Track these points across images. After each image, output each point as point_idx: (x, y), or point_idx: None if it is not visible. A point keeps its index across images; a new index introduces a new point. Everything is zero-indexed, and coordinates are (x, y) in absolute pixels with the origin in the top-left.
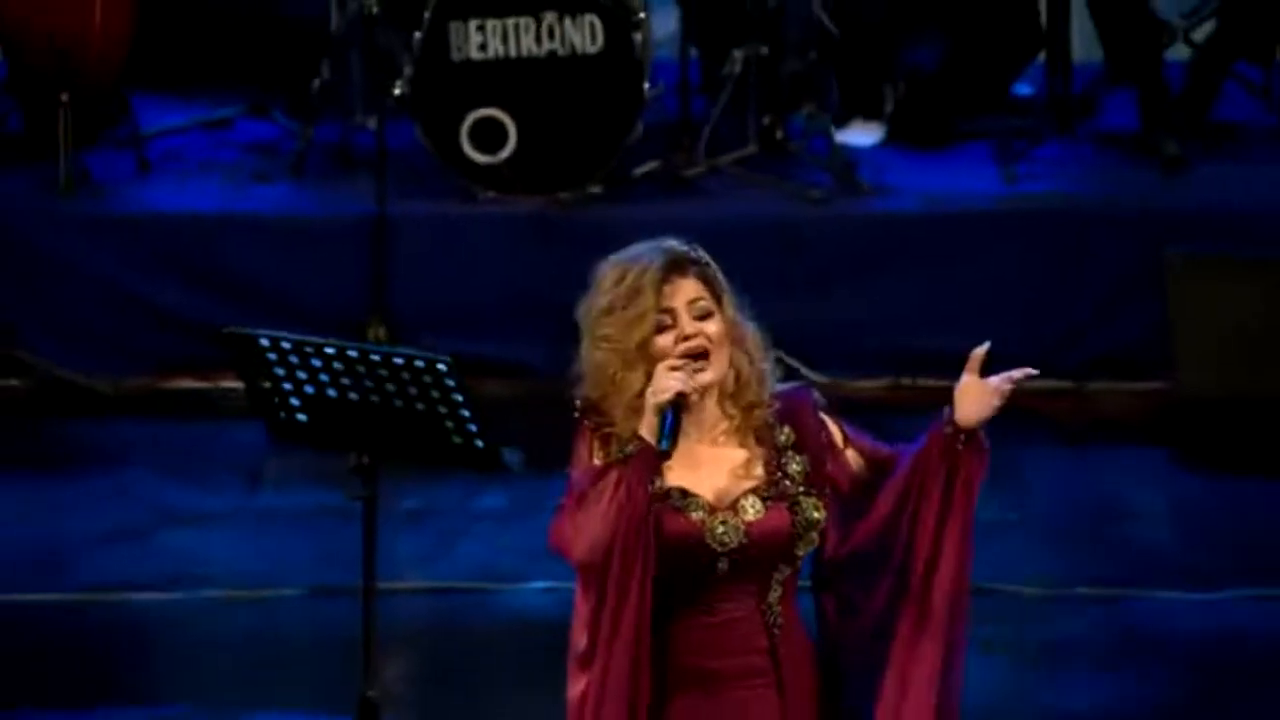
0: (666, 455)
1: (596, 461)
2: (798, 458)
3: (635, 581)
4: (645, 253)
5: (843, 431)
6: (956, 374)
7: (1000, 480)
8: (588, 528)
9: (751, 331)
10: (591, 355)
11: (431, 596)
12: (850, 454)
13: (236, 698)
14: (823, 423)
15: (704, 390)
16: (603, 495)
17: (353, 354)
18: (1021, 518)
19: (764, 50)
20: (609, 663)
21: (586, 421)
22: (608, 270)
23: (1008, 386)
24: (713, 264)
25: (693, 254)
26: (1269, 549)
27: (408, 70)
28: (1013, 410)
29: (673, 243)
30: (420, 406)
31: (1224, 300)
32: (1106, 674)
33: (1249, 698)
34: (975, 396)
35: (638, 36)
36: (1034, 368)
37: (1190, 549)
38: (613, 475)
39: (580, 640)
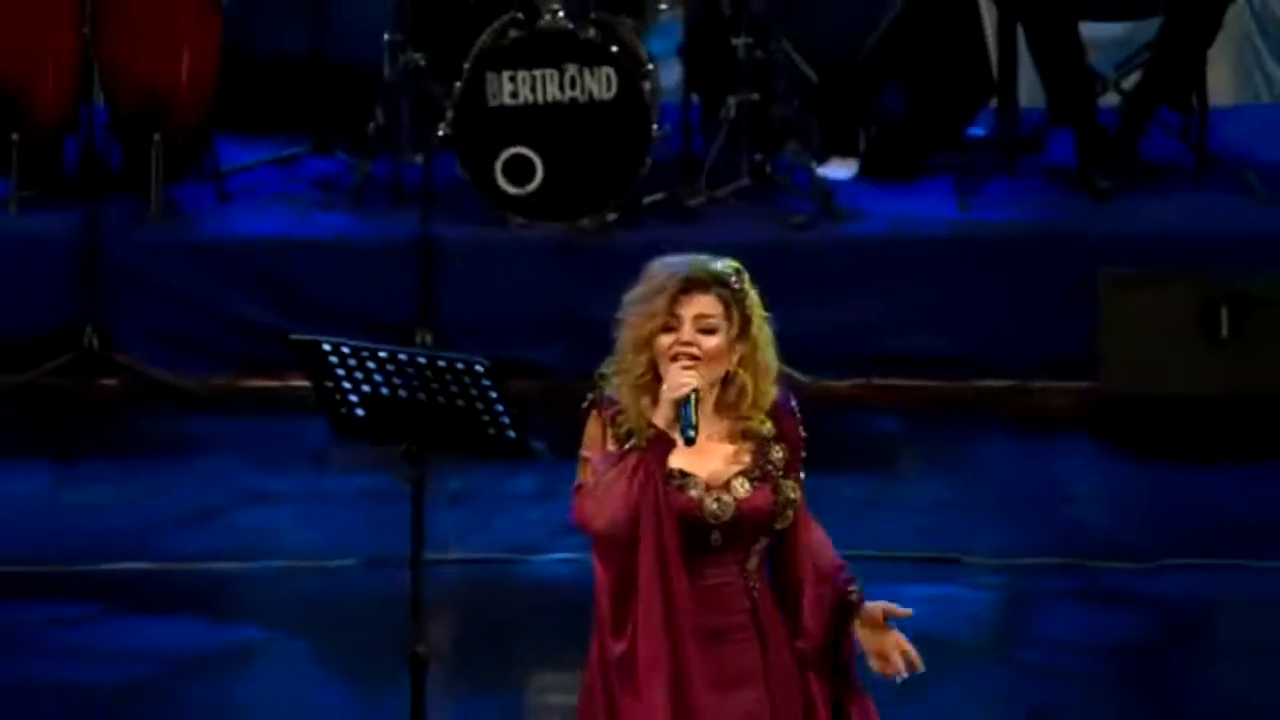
0: (692, 441)
1: (610, 444)
2: (778, 447)
3: (658, 553)
4: (682, 263)
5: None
6: (919, 374)
7: (955, 464)
8: (608, 506)
9: (767, 360)
10: (619, 331)
11: (470, 566)
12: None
13: (303, 652)
14: (798, 425)
15: (694, 398)
16: (622, 477)
17: (402, 357)
18: (973, 496)
19: (755, 97)
20: (646, 626)
21: (596, 407)
22: (652, 268)
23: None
24: (743, 290)
25: (724, 276)
26: (1185, 524)
27: (450, 114)
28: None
29: (713, 262)
30: (460, 403)
31: (1147, 312)
32: (1050, 632)
33: (1176, 646)
34: (871, 635)
35: (647, 85)
36: (982, 368)
37: (1117, 524)
38: (632, 459)
39: (605, 606)
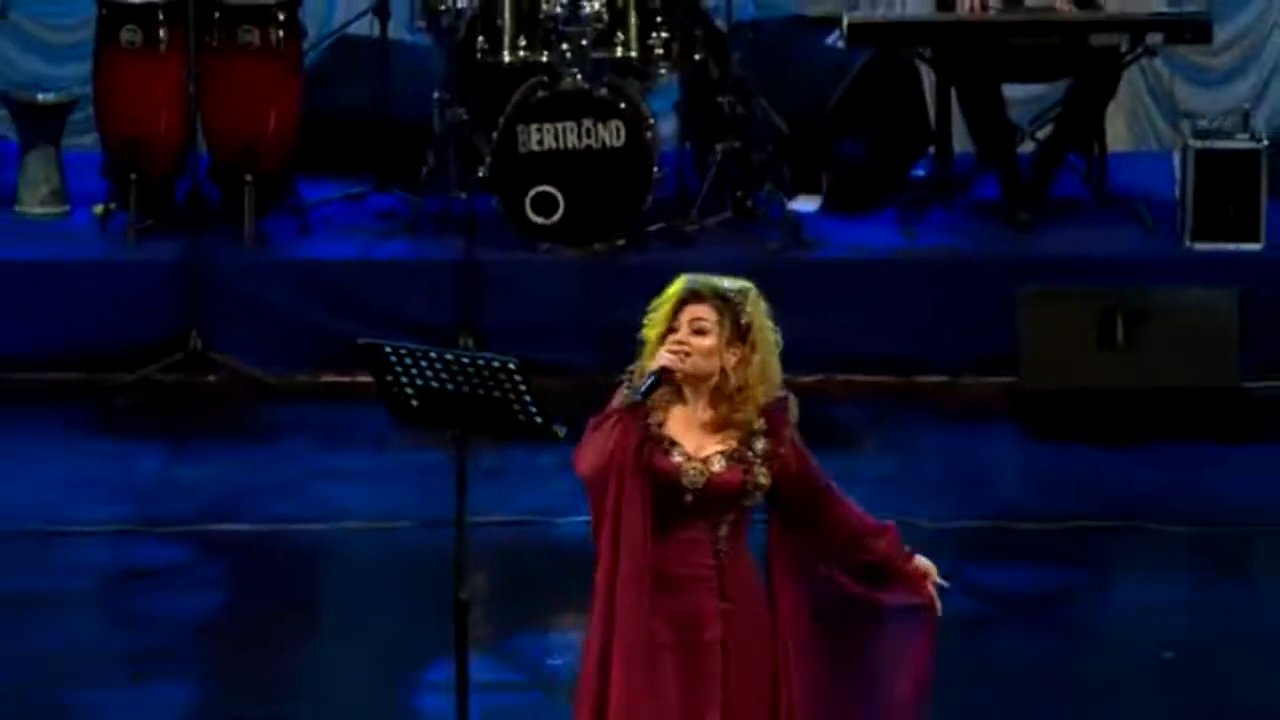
0: (640, 404)
1: (614, 415)
2: (764, 441)
3: (640, 505)
4: (689, 277)
5: (800, 444)
6: (870, 371)
7: (900, 445)
8: (591, 451)
9: (765, 366)
10: (645, 332)
11: (505, 527)
12: (810, 463)
13: (366, 598)
14: (787, 424)
15: (690, 374)
16: (603, 430)
17: (449, 357)
18: (914, 472)
19: (736, 145)
20: (624, 571)
21: (622, 385)
22: (681, 280)
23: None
24: (745, 303)
25: (724, 288)
26: (1089, 494)
27: (488, 159)
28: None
29: (723, 279)
30: (496, 394)
31: (1056, 321)
32: (978, 583)
33: (1084, 594)
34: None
35: (649, 135)
36: (923, 366)
37: (1032, 494)
38: (614, 417)
39: (601, 546)
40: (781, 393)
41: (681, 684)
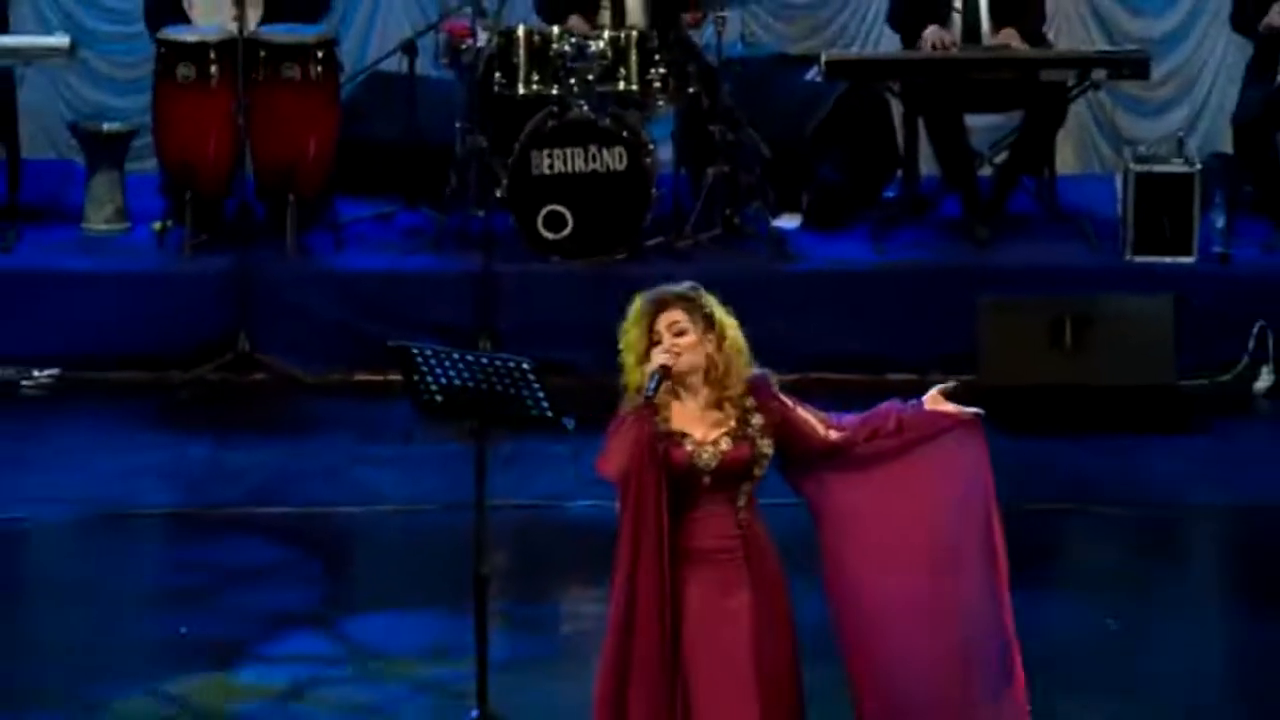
0: (650, 401)
1: (623, 419)
2: (757, 415)
3: (655, 490)
4: (650, 294)
5: (790, 402)
6: (844, 369)
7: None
8: (615, 456)
9: (736, 342)
10: (623, 357)
11: (521, 510)
12: (799, 414)
13: (396, 574)
14: (775, 395)
15: (684, 370)
16: (621, 434)
17: (469, 358)
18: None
19: (726, 169)
20: (645, 547)
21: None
22: (633, 302)
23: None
24: (702, 298)
25: (682, 291)
26: (1041, 479)
27: (504, 181)
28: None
29: (672, 286)
30: (511, 391)
31: (1012, 325)
32: None
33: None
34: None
35: (648, 160)
36: (892, 365)
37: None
38: (628, 420)
39: (626, 535)
40: (758, 370)
41: (711, 648)
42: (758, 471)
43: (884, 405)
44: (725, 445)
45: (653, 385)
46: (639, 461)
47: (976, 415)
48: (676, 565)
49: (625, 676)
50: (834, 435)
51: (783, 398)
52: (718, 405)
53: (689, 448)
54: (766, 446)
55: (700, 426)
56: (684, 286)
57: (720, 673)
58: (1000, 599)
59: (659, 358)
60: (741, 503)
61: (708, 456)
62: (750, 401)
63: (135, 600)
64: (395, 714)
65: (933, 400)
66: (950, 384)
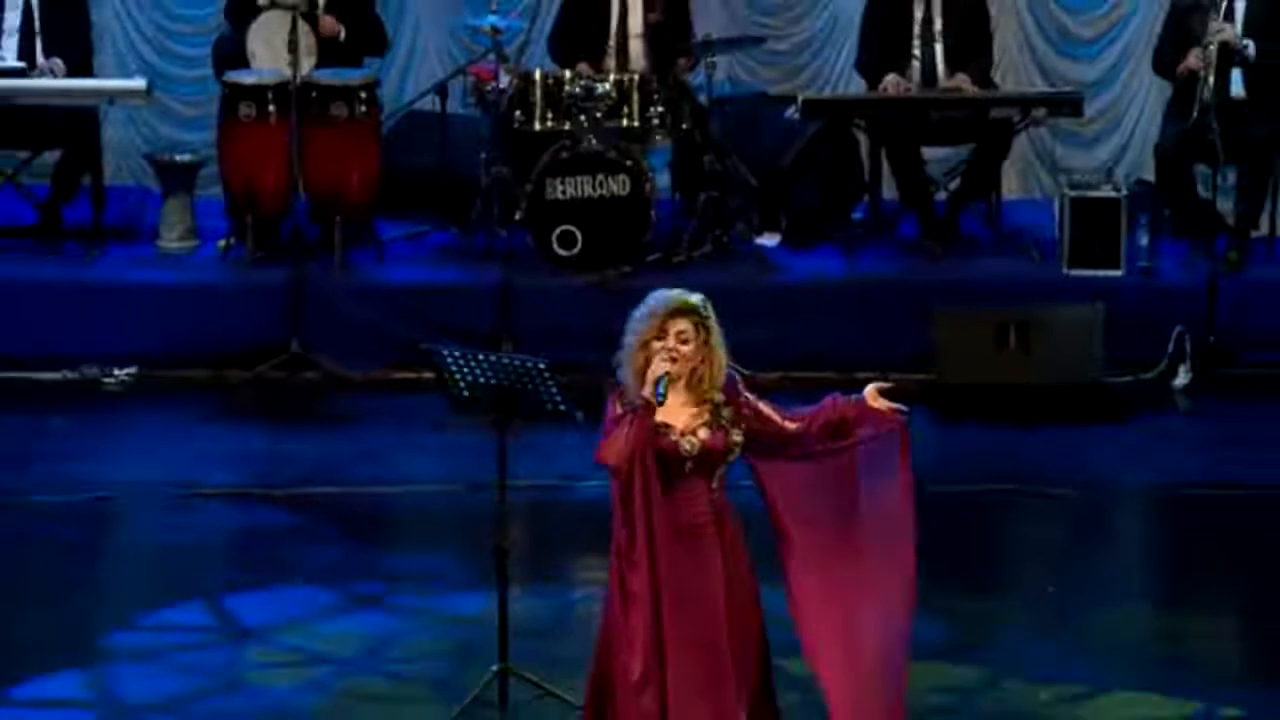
0: (660, 404)
1: (617, 408)
2: (727, 410)
3: (648, 478)
4: (670, 296)
5: (754, 399)
6: (818, 368)
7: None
8: (616, 446)
9: (722, 355)
10: (628, 339)
11: (536, 490)
12: (762, 408)
13: (428, 544)
14: (740, 393)
15: (676, 375)
16: (624, 428)
17: (492, 358)
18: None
19: (715, 194)
20: (639, 524)
21: (612, 393)
22: (653, 297)
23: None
24: (709, 315)
25: (699, 305)
26: (987, 463)
27: (523, 205)
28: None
29: (688, 295)
30: (529, 387)
31: (963, 330)
32: None
33: (982, 538)
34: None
35: (648, 186)
36: (861, 366)
37: (944, 463)
38: (629, 418)
39: (621, 516)
40: (729, 371)
41: (690, 606)
42: (730, 456)
43: (827, 399)
44: (704, 435)
45: (660, 390)
46: (641, 452)
47: (903, 413)
48: (663, 538)
49: (620, 633)
50: (791, 426)
51: (747, 395)
52: (694, 402)
53: (673, 438)
54: (737, 435)
55: (680, 419)
56: (697, 299)
57: (699, 626)
58: (904, 592)
59: (662, 365)
60: (715, 484)
61: (690, 445)
62: (720, 397)
63: (202, 562)
64: (427, 665)
65: (871, 396)
66: (888, 384)
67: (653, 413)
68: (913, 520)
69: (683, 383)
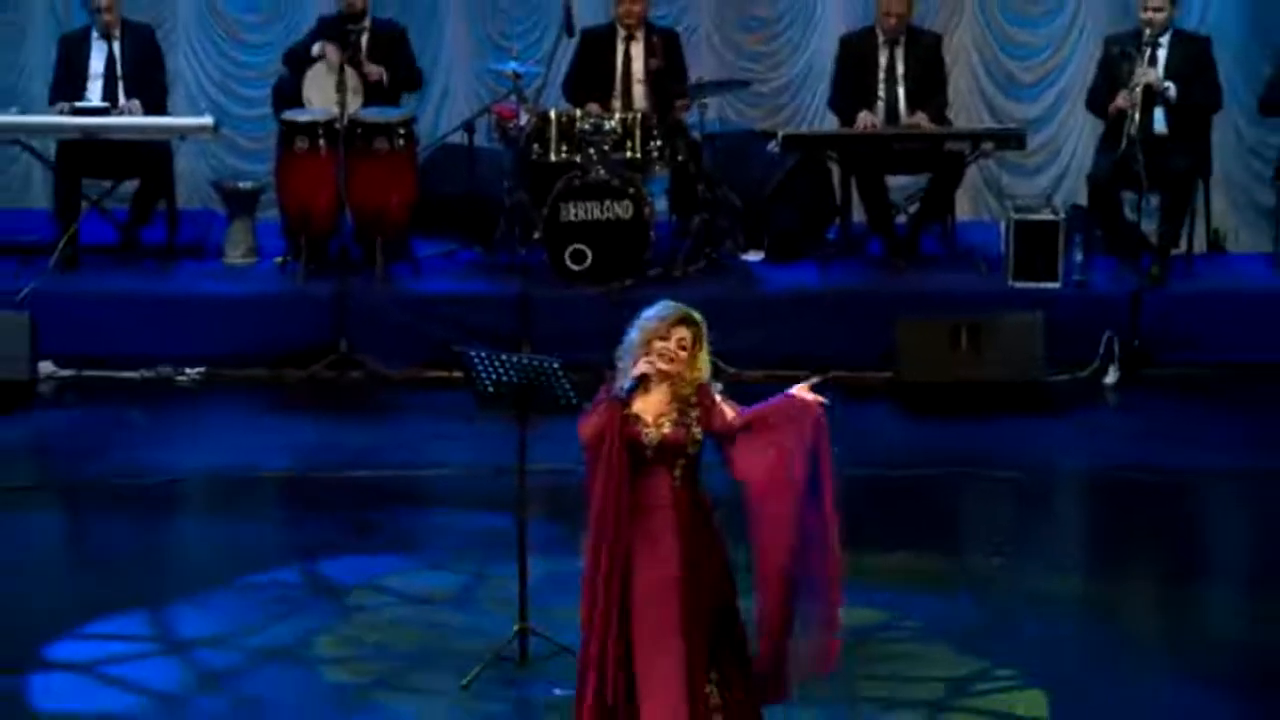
0: (625, 399)
1: (603, 393)
2: (697, 410)
3: (618, 456)
4: (678, 305)
5: (718, 400)
6: (797, 368)
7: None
8: (590, 425)
9: (706, 365)
10: (633, 334)
11: (550, 473)
12: (720, 409)
13: (458, 520)
14: (709, 396)
15: (660, 376)
16: (598, 411)
17: (513, 359)
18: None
19: (707, 217)
20: (609, 496)
21: (606, 378)
22: (663, 304)
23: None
24: (702, 325)
25: (694, 317)
26: (941, 449)
27: (540, 226)
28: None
29: (687, 309)
30: (545, 384)
31: (921, 334)
32: (863, 512)
33: (941, 520)
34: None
35: (648, 210)
36: (835, 365)
37: (905, 449)
38: (605, 403)
39: (592, 488)
40: (717, 386)
41: (646, 575)
42: (691, 450)
43: (766, 400)
44: (666, 429)
45: (630, 386)
46: (607, 434)
47: (821, 402)
48: (625, 513)
49: (594, 592)
50: (737, 422)
51: (715, 398)
52: (669, 399)
53: (639, 426)
54: (698, 434)
55: (651, 413)
56: (697, 314)
57: (653, 590)
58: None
59: (643, 366)
60: (677, 473)
61: (651, 435)
62: (693, 399)
63: (261, 533)
64: (455, 620)
65: (799, 389)
66: (815, 379)
67: (624, 405)
68: (832, 490)
69: (666, 384)
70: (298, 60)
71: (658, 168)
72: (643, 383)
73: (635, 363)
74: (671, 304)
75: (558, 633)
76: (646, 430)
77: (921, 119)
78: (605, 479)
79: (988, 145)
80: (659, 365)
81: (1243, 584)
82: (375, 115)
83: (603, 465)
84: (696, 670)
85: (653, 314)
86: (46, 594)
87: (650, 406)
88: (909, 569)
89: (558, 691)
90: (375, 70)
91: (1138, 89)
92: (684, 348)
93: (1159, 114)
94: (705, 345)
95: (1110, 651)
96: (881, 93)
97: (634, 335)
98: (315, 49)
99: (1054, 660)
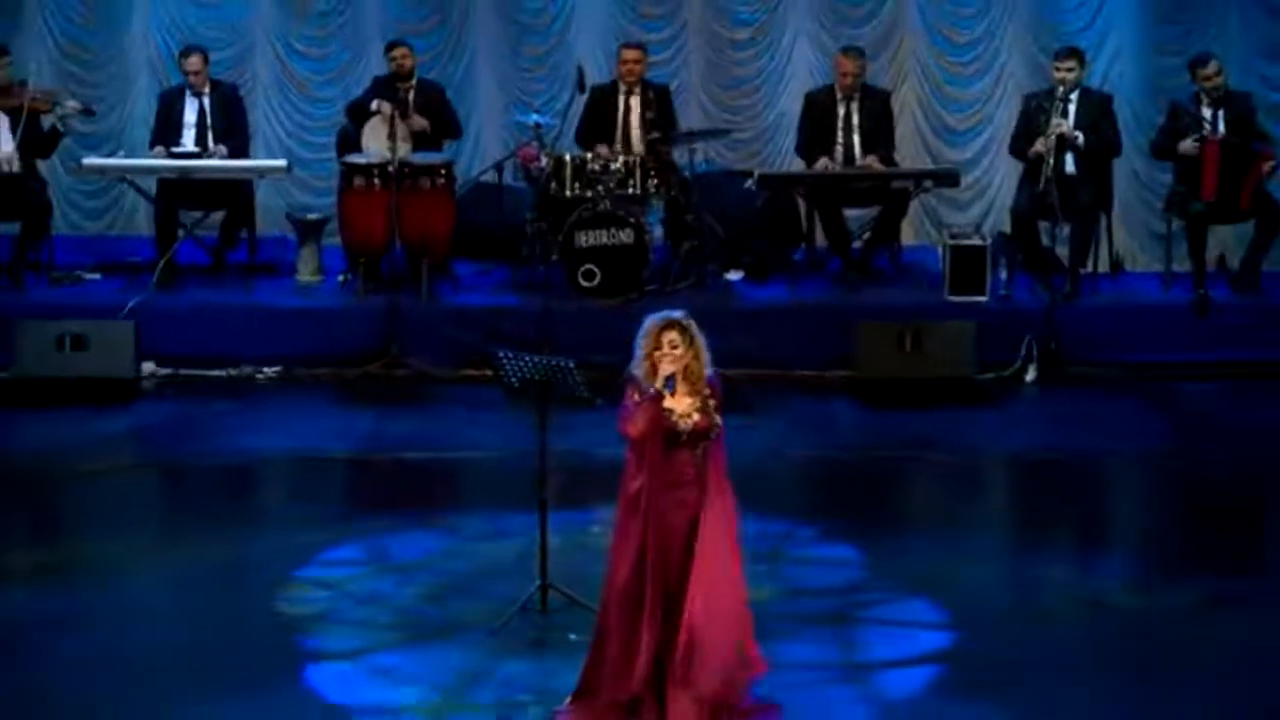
0: (671, 393)
1: (635, 397)
2: (711, 400)
3: (657, 445)
4: (658, 316)
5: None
6: (769, 369)
7: (783, 410)
8: (637, 424)
9: (705, 353)
10: (637, 354)
11: (569, 455)
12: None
13: (491, 495)
14: (716, 393)
15: (679, 374)
16: (642, 409)
17: (536, 360)
18: (791, 423)
19: (695, 243)
20: (646, 477)
21: (629, 383)
22: (647, 319)
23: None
24: (691, 326)
25: (681, 320)
26: (891, 438)
27: (557, 249)
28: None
29: (676, 313)
30: (562, 380)
31: (874, 339)
32: (822, 488)
33: (888, 499)
34: None
35: (647, 237)
36: (799, 364)
37: (862, 436)
38: (645, 404)
39: (632, 472)
40: (711, 371)
41: (675, 539)
42: (713, 434)
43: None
44: (696, 417)
45: (670, 384)
46: (654, 428)
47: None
48: (658, 488)
49: (622, 554)
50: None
51: (718, 392)
52: (689, 393)
53: (674, 419)
54: (718, 419)
55: (680, 405)
56: (679, 315)
57: (669, 552)
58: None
59: (668, 367)
60: (699, 452)
61: (686, 425)
62: (708, 390)
63: (327, 502)
64: (485, 578)
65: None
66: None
67: (662, 400)
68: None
69: (682, 379)
70: (358, 114)
71: (654, 201)
72: (672, 383)
73: (646, 375)
74: (653, 317)
75: (571, 587)
76: (682, 420)
77: (873, 161)
78: (646, 462)
79: (928, 183)
80: (667, 366)
81: (1134, 544)
82: (421, 159)
83: (646, 452)
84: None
85: (643, 332)
86: (140, 550)
87: (679, 404)
88: (854, 537)
89: (573, 636)
90: (420, 122)
91: (1052, 137)
92: (676, 346)
93: (1070, 158)
94: (698, 336)
95: (1021, 592)
96: (840, 140)
97: (638, 355)
98: (373, 105)
99: (976, 602)
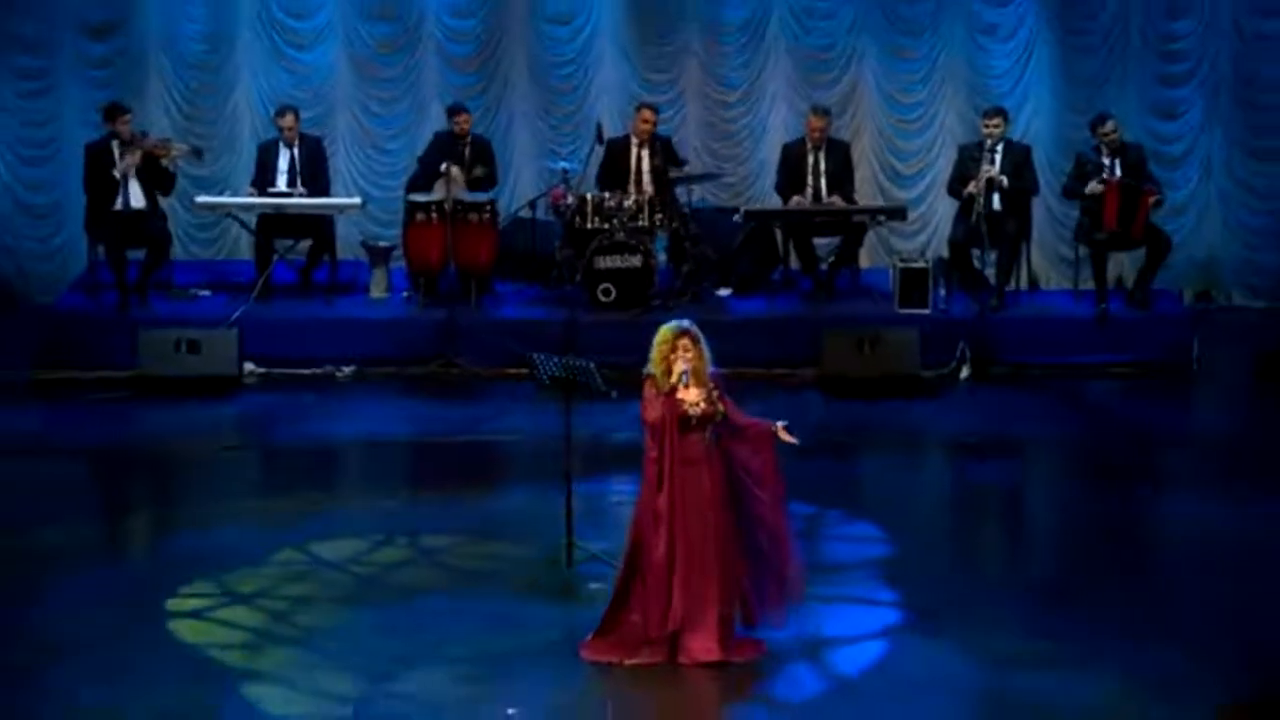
0: (686, 386)
1: (651, 391)
2: (715, 392)
3: (671, 431)
4: (675, 324)
5: (725, 396)
6: (753, 366)
7: (763, 403)
8: (656, 411)
9: (708, 354)
10: (654, 354)
11: (590, 438)
12: (727, 400)
13: (526, 471)
14: (720, 386)
15: (692, 369)
16: (660, 400)
17: (562, 360)
18: (771, 414)
19: (692, 265)
20: (665, 457)
21: (647, 378)
22: (665, 327)
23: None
24: (698, 332)
25: (691, 328)
26: (849, 424)
27: (580, 272)
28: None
29: (686, 322)
30: (584, 378)
31: (838, 343)
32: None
33: (855, 483)
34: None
35: (653, 261)
36: (776, 364)
37: (825, 425)
38: (664, 396)
39: (651, 464)
40: (713, 368)
41: (694, 505)
42: (717, 419)
43: (755, 420)
44: (703, 405)
45: (685, 378)
46: (670, 414)
47: (773, 433)
48: (676, 466)
49: (646, 525)
50: (738, 419)
51: (722, 387)
52: (697, 386)
53: (686, 406)
54: (721, 407)
55: (690, 396)
56: (688, 324)
57: (696, 524)
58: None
59: (683, 365)
60: (708, 434)
61: (694, 410)
62: (712, 384)
63: (392, 473)
64: (520, 536)
65: (779, 430)
66: (787, 436)
67: (676, 393)
68: (781, 481)
69: (691, 375)
70: (428, 167)
71: (659, 232)
72: (687, 378)
73: (662, 373)
74: (670, 325)
75: (593, 542)
76: (692, 407)
77: (836, 199)
78: (663, 443)
79: (881, 217)
80: (681, 364)
81: (1053, 515)
82: (470, 198)
83: (666, 437)
84: (728, 581)
85: (661, 337)
86: (242, 512)
87: (690, 395)
88: (823, 491)
89: (594, 585)
90: (481, 170)
91: (982, 180)
92: (687, 349)
93: (996, 197)
94: (703, 341)
95: (959, 562)
96: (810, 182)
97: (654, 354)
98: (442, 167)
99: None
